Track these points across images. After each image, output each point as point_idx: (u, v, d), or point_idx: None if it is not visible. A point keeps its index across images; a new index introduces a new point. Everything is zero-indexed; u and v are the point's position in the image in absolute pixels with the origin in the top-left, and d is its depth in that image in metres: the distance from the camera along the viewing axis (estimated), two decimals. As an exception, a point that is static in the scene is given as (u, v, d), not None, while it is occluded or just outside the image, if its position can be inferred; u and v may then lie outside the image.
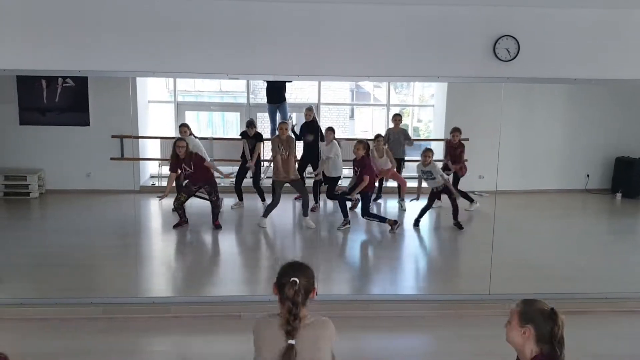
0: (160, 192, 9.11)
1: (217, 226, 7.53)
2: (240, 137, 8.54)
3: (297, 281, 2.37)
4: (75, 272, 5.90)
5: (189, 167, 7.34)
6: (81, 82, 8.90)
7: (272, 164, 7.96)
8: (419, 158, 7.88)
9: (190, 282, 6.17)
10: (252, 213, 8.22)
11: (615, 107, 9.12)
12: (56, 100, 8.98)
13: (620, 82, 5.54)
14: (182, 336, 4.89)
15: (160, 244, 7.40)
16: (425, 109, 11.02)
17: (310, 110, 8.57)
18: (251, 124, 8.43)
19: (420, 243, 7.78)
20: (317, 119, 8.54)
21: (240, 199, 8.55)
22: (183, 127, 8.07)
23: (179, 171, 7.35)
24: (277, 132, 7.74)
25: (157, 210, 8.82)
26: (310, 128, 8.40)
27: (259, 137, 8.40)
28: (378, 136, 8.37)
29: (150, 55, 5.07)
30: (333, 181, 8.16)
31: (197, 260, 6.84)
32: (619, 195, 9.54)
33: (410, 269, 6.74)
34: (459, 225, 7.64)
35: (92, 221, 7.90)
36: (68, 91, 8.97)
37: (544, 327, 2.40)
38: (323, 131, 8.29)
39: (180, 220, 7.51)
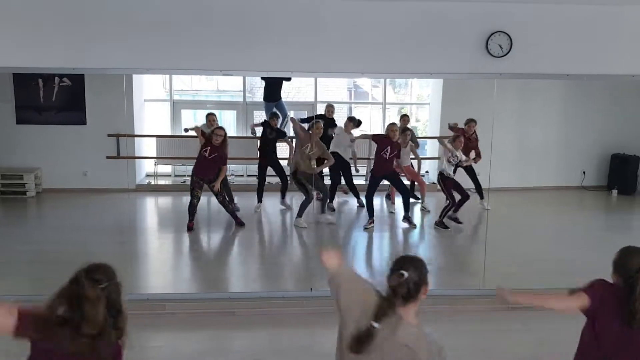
0: (156, 190, 9.18)
1: (238, 223, 7.49)
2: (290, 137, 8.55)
3: (405, 274, 2.23)
4: (71, 270, 5.86)
5: (210, 154, 7.16)
6: (78, 81, 8.90)
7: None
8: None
9: (185, 279, 6.19)
10: (250, 213, 8.23)
11: (611, 104, 9.14)
12: (53, 99, 8.98)
13: (613, 77, 5.57)
14: (177, 333, 4.91)
15: (155, 242, 7.41)
16: (423, 109, 11.04)
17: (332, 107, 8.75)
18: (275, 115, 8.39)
19: (415, 239, 7.79)
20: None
21: (260, 200, 8.28)
22: (211, 116, 7.93)
23: (203, 149, 7.20)
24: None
25: (153, 208, 8.84)
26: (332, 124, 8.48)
27: (282, 134, 8.41)
28: (406, 129, 8.14)
29: (145, 52, 5.08)
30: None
31: (193, 257, 6.85)
32: (614, 191, 9.57)
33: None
34: (457, 220, 7.60)
35: (88, 219, 7.90)
36: (64, 90, 8.97)
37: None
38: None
39: (191, 222, 7.30)
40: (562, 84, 8.70)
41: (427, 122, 10.64)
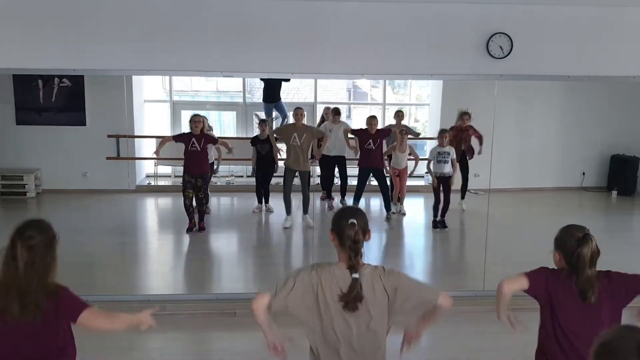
0: (156, 191, 9.17)
1: (201, 228, 7.29)
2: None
3: (355, 222, 2.42)
4: (71, 271, 5.84)
5: (199, 144, 7.01)
6: (77, 82, 8.89)
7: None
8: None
9: (185, 280, 6.19)
10: (248, 212, 8.23)
11: (611, 105, 9.13)
12: (52, 100, 8.97)
13: (613, 79, 5.57)
14: (178, 334, 4.91)
15: (155, 243, 7.41)
16: (422, 109, 11.05)
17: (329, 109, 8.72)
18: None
19: (415, 240, 7.80)
20: (315, 118, 8.55)
21: (260, 201, 8.26)
22: (196, 117, 7.66)
23: (191, 146, 7.01)
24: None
25: (153, 209, 8.84)
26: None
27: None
28: (402, 130, 8.11)
29: (145, 54, 5.09)
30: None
31: (193, 258, 6.86)
32: (614, 192, 9.56)
33: (405, 266, 6.75)
34: (443, 224, 7.58)
35: (88, 220, 7.90)
36: (64, 91, 8.97)
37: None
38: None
39: (191, 223, 7.24)
40: (562, 85, 8.69)
41: (426, 123, 10.65)
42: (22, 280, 2.38)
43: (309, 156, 7.47)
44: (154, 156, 7.40)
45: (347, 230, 2.41)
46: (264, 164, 8.03)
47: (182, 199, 7.21)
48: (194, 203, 7.26)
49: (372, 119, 7.60)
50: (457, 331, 4.89)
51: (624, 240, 7.70)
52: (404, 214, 8.32)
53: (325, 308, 2.44)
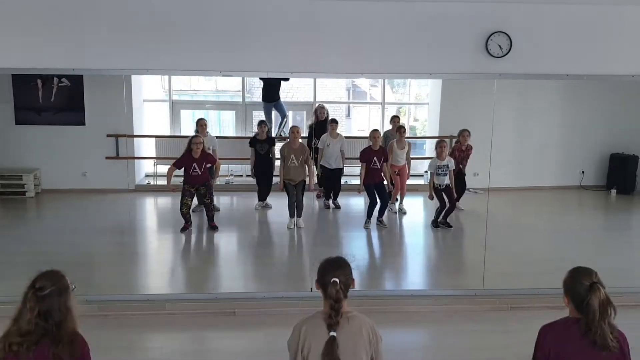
0: (155, 190, 9.16)
1: (213, 227, 7.38)
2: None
3: (338, 281, 2.57)
4: (70, 270, 5.85)
5: (200, 169, 7.08)
6: (76, 82, 8.89)
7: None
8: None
9: (185, 279, 6.19)
10: (247, 212, 8.23)
11: (610, 104, 9.14)
12: (52, 100, 8.97)
13: (612, 77, 5.57)
14: (177, 333, 4.91)
15: (155, 243, 7.42)
16: (421, 108, 11.05)
17: (324, 109, 8.65)
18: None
19: (415, 240, 7.80)
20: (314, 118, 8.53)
21: (261, 199, 8.32)
22: (202, 121, 7.81)
23: (192, 171, 7.06)
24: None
25: (152, 209, 8.84)
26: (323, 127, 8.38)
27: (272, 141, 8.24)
28: (401, 127, 8.17)
29: (145, 53, 5.08)
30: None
31: (192, 258, 6.86)
32: (613, 191, 9.56)
33: (405, 265, 6.76)
34: (447, 224, 7.59)
35: (87, 220, 7.90)
36: (63, 91, 8.97)
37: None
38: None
39: (186, 224, 7.27)
40: (562, 83, 8.70)
41: (425, 122, 10.65)
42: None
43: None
44: (170, 189, 7.34)
45: (330, 289, 2.58)
46: (263, 164, 8.05)
47: (180, 205, 7.20)
48: (193, 207, 7.30)
49: (375, 132, 7.50)
50: (456, 330, 4.90)
51: (623, 239, 7.70)
52: (404, 213, 8.32)
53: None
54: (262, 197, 8.24)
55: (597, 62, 5.30)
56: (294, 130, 7.50)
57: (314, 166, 7.93)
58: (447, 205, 7.53)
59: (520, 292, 5.45)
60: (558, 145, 9.47)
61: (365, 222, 7.59)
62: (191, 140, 7.11)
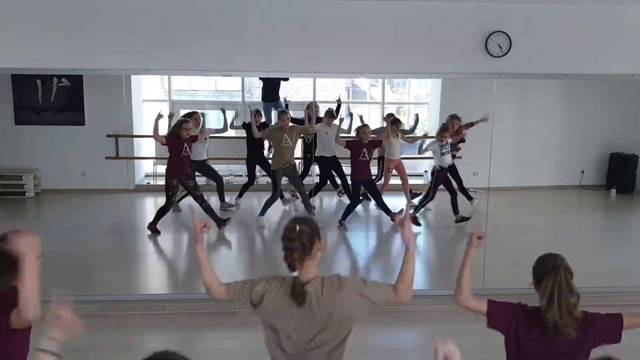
0: (155, 190, 9.14)
1: (222, 226, 7.19)
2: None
3: (298, 227, 2.35)
4: (70, 270, 5.90)
5: (189, 148, 7.02)
6: (76, 82, 8.88)
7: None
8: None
9: (185, 279, 6.18)
10: (247, 212, 8.22)
11: (610, 103, 9.14)
12: (51, 100, 8.96)
13: (612, 77, 5.58)
14: (178, 333, 4.91)
15: (155, 243, 7.40)
16: (421, 108, 11.04)
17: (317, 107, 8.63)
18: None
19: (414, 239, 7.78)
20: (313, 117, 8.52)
21: (240, 195, 8.36)
22: (195, 115, 7.81)
23: (184, 151, 6.98)
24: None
25: (152, 208, 8.82)
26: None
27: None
28: (395, 121, 8.09)
29: (144, 53, 5.08)
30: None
31: (192, 257, 6.84)
32: (613, 191, 9.56)
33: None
34: (462, 218, 7.49)
35: (87, 220, 7.90)
36: (63, 91, 8.96)
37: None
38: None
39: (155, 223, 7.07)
40: (561, 83, 8.69)
41: (425, 122, 10.64)
42: None
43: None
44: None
45: (285, 232, 2.39)
46: (253, 148, 8.18)
47: (165, 204, 7.07)
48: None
49: (364, 128, 7.36)
50: (455, 329, 4.87)
51: (622, 239, 7.71)
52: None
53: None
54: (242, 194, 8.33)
55: (597, 62, 5.30)
56: (283, 117, 7.47)
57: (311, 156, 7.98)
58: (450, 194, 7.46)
59: (520, 292, 5.40)
60: (558, 145, 9.47)
61: (340, 223, 7.33)
62: (181, 124, 6.99)
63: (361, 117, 8.26)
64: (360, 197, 7.65)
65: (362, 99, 11.82)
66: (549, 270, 2.52)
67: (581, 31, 5.24)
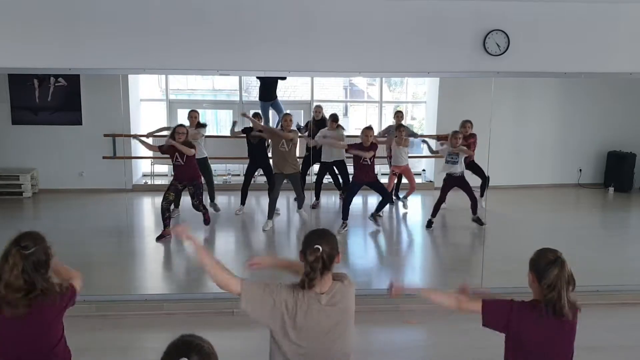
0: (153, 190, 9.13)
1: (206, 220, 7.28)
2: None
3: (320, 248, 2.39)
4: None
5: (182, 158, 6.89)
6: (73, 81, 8.86)
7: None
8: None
9: (182, 279, 6.17)
10: (245, 211, 8.21)
11: (608, 101, 9.16)
12: (48, 100, 8.95)
13: (610, 75, 5.59)
14: (175, 333, 4.88)
15: (152, 242, 7.38)
16: (418, 106, 11.05)
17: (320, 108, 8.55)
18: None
19: (413, 238, 7.80)
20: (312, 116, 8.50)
21: (243, 203, 8.18)
22: (193, 113, 7.77)
23: (175, 160, 6.91)
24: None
25: (149, 208, 8.81)
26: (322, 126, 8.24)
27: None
28: (401, 126, 8.03)
29: (141, 52, 5.07)
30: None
31: (190, 257, 6.83)
32: (611, 189, 9.58)
33: (404, 263, 6.76)
34: (479, 221, 7.32)
35: (85, 220, 7.88)
36: (60, 90, 8.94)
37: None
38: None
39: (165, 230, 6.94)
40: (559, 81, 8.71)
41: (423, 120, 10.65)
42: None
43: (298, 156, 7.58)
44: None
45: (309, 254, 2.40)
46: (254, 155, 8.01)
47: (162, 200, 6.98)
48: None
49: (368, 131, 7.16)
50: (455, 328, 4.88)
51: (620, 237, 7.71)
52: (406, 208, 8.35)
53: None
54: (244, 200, 8.15)
55: (594, 60, 5.29)
56: (287, 118, 7.36)
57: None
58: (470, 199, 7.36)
59: (519, 290, 5.42)
60: (556, 143, 9.49)
61: (342, 225, 7.21)
62: (175, 129, 6.97)
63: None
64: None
65: (359, 98, 11.83)
66: (552, 260, 2.62)
67: (579, 29, 5.24)
